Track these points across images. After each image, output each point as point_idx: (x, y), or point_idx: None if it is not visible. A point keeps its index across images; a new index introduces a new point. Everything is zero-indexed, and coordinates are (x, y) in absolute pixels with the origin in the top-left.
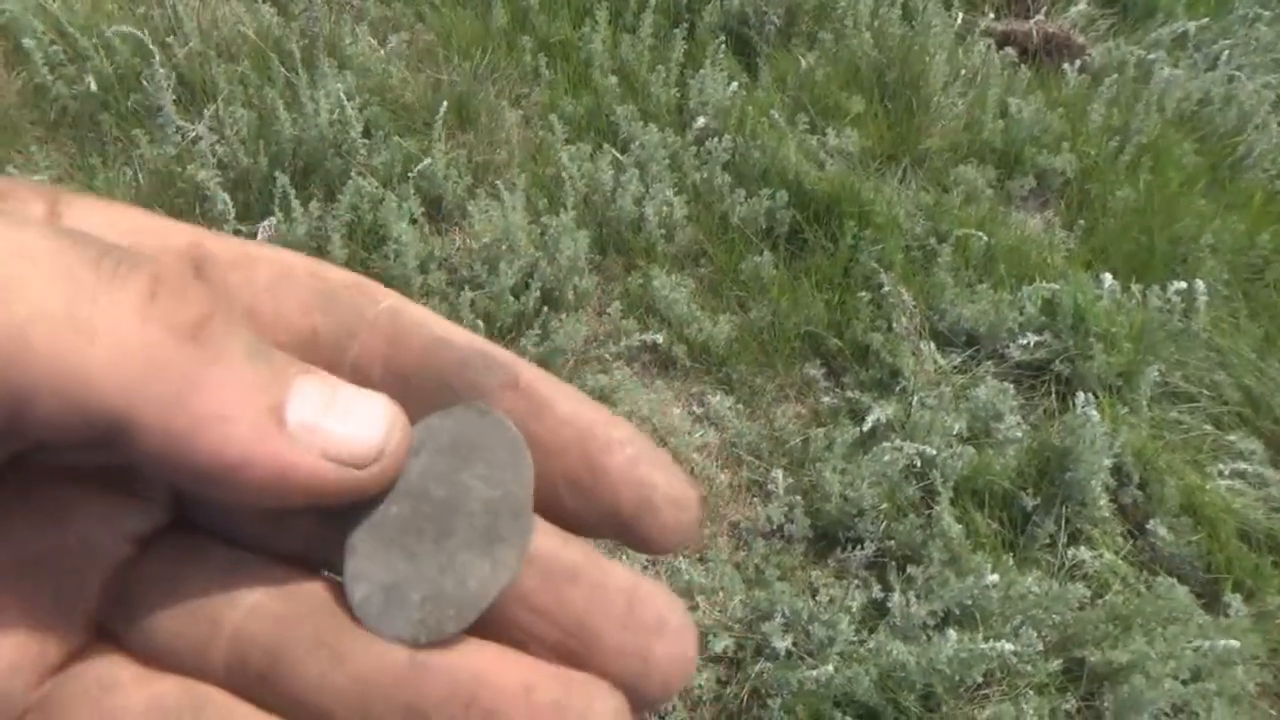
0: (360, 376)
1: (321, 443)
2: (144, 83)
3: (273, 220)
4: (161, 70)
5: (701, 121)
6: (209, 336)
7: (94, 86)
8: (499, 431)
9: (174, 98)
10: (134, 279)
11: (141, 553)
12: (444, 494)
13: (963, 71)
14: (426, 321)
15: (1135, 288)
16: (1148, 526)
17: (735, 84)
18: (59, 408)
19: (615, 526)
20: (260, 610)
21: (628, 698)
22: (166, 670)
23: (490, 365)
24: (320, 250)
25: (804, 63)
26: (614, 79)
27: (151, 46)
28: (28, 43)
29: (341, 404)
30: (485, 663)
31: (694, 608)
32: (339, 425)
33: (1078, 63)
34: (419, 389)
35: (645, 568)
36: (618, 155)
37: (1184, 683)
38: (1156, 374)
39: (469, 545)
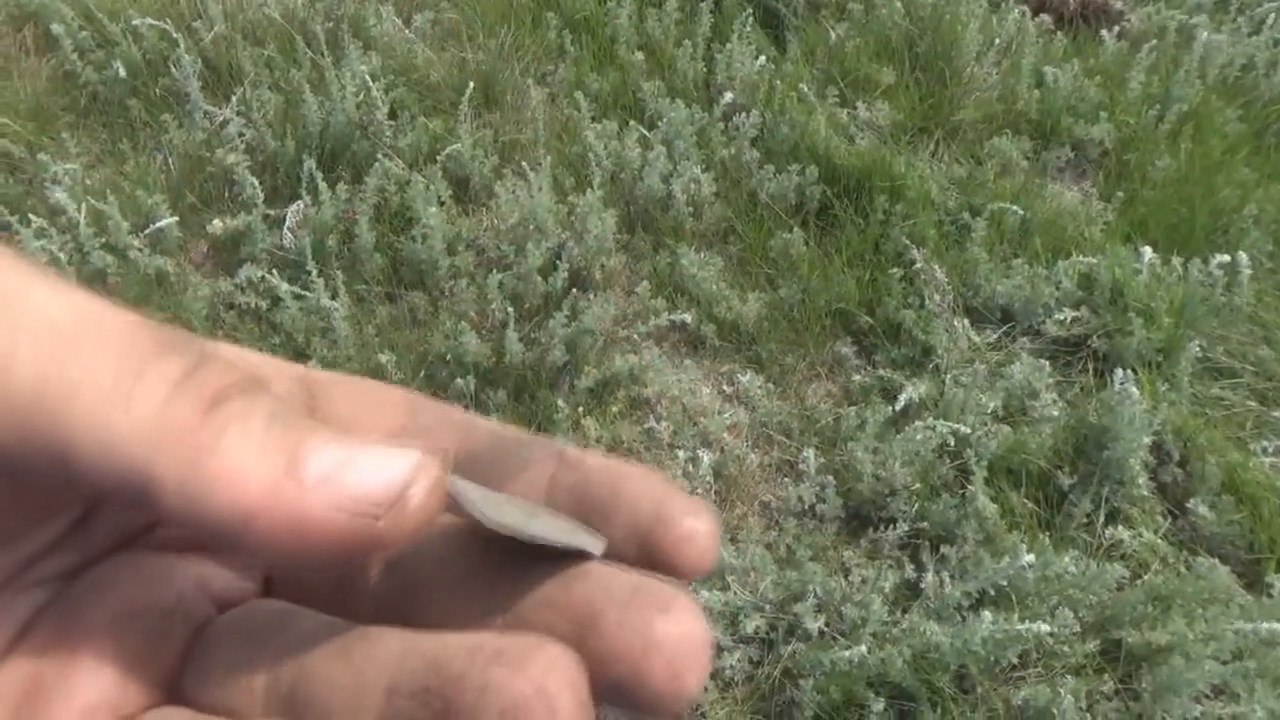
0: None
1: (333, 492)
2: (171, 68)
3: (300, 204)
4: (188, 56)
5: (729, 97)
6: (228, 406)
7: (122, 72)
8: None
9: (201, 83)
10: (177, 360)
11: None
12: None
13: (996, 40)
14: (494, 425)
15: (1176, 260)
16: (1188, 505)
17: (763, 58)
18: (94, 465)
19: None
20: (317, 674)
21: (633, 686)
22: None
23: (536, 443)
24: (348, 233)
25: (833, 34)
26: (640, 55)
27: (176, 34)
28: (56, 29)
29: (362, 459)
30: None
31: (725, 588)
32: (353, 475)
33: (1116, 29)
34: (486, 461)
35: None
36: (644, 132)
37: (1224, 664)
38: (1197, 349)
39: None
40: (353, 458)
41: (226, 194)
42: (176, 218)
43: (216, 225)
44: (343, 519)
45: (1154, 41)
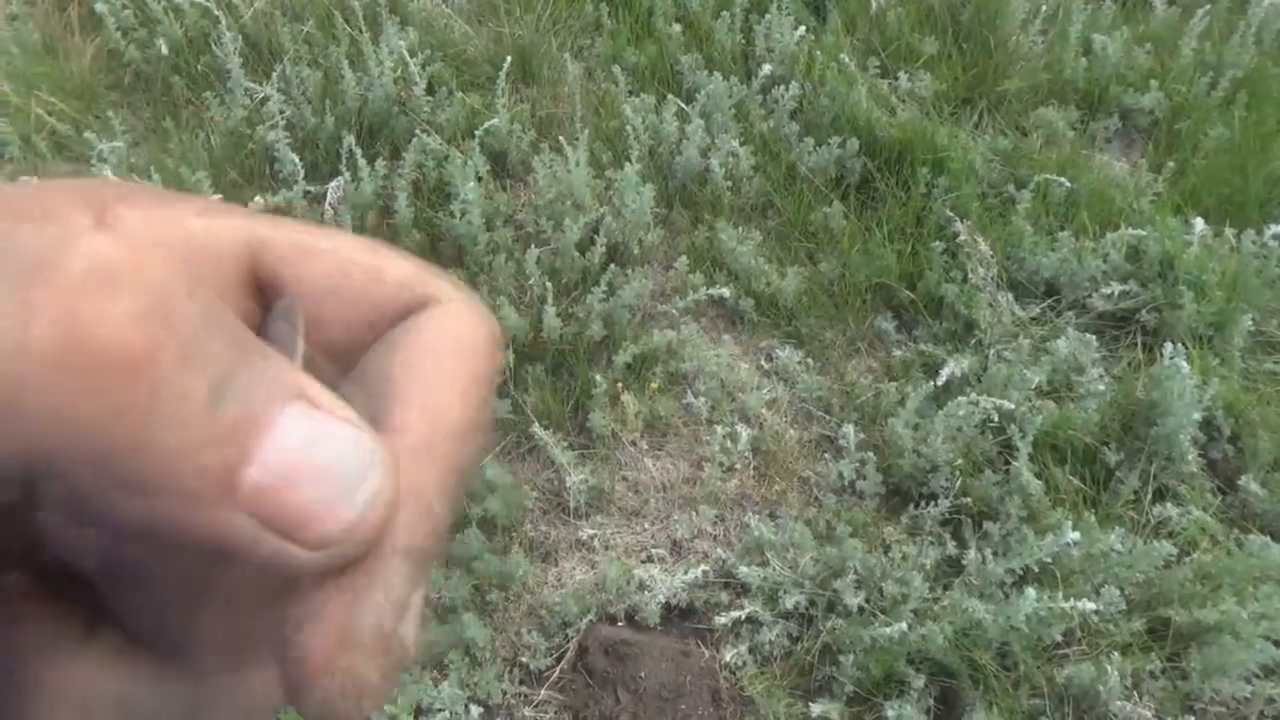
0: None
1: (272, 511)
2: (213, 45)
3: (340, 180)
4: (229, 33)
5: (768, 69)
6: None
7: (165, 50)
8: None
9: (241, 60)
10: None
11: None
12: None
13: (1043, 7)
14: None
15: (1228, 232)
16: (1239, 482)
17: (803, 28)
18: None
19: None
20: None
21: None
22: None
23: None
24: (387, 209)
25: (874, 3)
26: (677, 27)
27: (217, 12)
28: (100, 8)
29: (320, 452)
30: None
31: (764, 564)
32: (303, 489)
33: None
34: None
35: (716, 522)
36: (682, 106)
37: (1276, 644)
38: (1250, 323)
39: None
40: (311, 450)
41: (267, 171)
42: (219, 195)
43: (258, 202)
44: (269, 548)
45: (1207, 6)
